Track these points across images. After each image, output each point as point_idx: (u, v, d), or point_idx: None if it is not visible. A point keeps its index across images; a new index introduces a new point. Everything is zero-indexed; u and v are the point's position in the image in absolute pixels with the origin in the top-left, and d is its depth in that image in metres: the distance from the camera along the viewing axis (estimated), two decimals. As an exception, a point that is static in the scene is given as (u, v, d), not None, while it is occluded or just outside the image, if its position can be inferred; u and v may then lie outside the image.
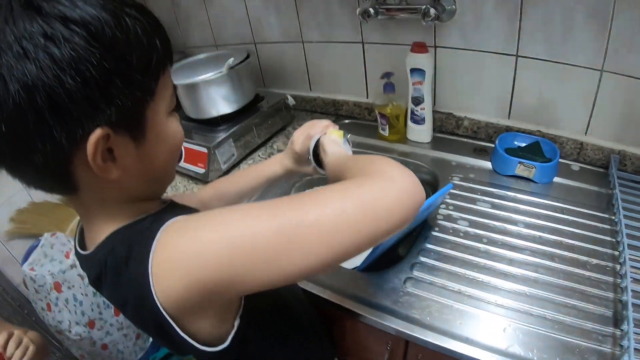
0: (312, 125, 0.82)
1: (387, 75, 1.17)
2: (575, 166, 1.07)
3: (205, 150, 1.19)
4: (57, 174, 0.47)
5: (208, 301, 0.49)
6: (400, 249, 1.02)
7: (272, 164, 0.90)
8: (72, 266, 1.48)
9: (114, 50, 0.44)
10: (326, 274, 0.88)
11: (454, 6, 1.07)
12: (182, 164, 1.24)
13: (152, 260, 0.46)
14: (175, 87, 0.56)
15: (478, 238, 0.90)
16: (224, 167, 1.22)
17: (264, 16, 1.45)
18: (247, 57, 1.30)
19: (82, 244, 0.59)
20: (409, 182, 0.51)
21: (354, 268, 0.92)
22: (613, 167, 1.00)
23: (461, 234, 0.91)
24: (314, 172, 0.83)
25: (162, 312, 0.47)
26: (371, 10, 1.11)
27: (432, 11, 1.03)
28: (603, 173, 1.04)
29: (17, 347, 0.93)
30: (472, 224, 0.93)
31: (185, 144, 1.24)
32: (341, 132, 0.79)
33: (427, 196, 1.02)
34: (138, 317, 0.54)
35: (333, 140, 0.77)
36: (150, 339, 1.72)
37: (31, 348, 0.94)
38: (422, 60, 1.10)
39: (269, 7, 1.41)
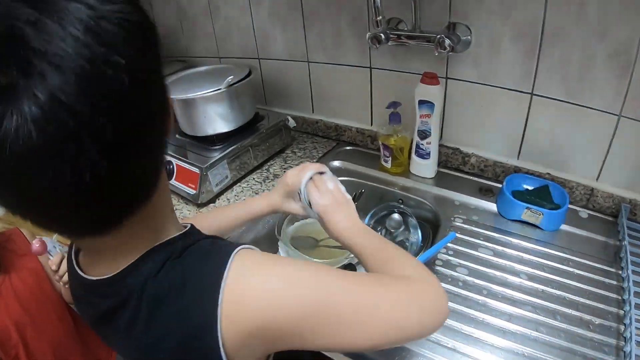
0: (309, 164, 0.83)
1: (393, 104, 1.16)
2: (584, 213, 1.07)
3: (197, 170, 1.18)
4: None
5: (263, 347, 0.49)
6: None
7: (257, 200, 0.90)
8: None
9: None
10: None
11: (469, 37, 1.07)
12: (173, 182, 1.24)
13: (224, 290, 0.43)
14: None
15: (477, 289, 0.89)
16: (216, 189, 1.21)
17: (270, 32, 1.46)
18: (249, 74, 1.30)
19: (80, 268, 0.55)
20: (445, 300, 0.60)
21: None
22: (623, 216, 1.00)
23: (460, 283, 0.91)
24: (300, 212, 0.84)
25: (220, 351, 0.44)
26: (382, 35, 1.10)
27: (447, 42, 1.00)
28: (612, 222, 1.04)
29: None
30: (472, 272, 0.93)
31: (177, 162, 1.24)
32: None
33: (427, 239, 1.05)
34: (176, 356, 0.47)
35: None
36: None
37: None
38: (432, 93, 1.10)
39: (276, 23, 1.42)
